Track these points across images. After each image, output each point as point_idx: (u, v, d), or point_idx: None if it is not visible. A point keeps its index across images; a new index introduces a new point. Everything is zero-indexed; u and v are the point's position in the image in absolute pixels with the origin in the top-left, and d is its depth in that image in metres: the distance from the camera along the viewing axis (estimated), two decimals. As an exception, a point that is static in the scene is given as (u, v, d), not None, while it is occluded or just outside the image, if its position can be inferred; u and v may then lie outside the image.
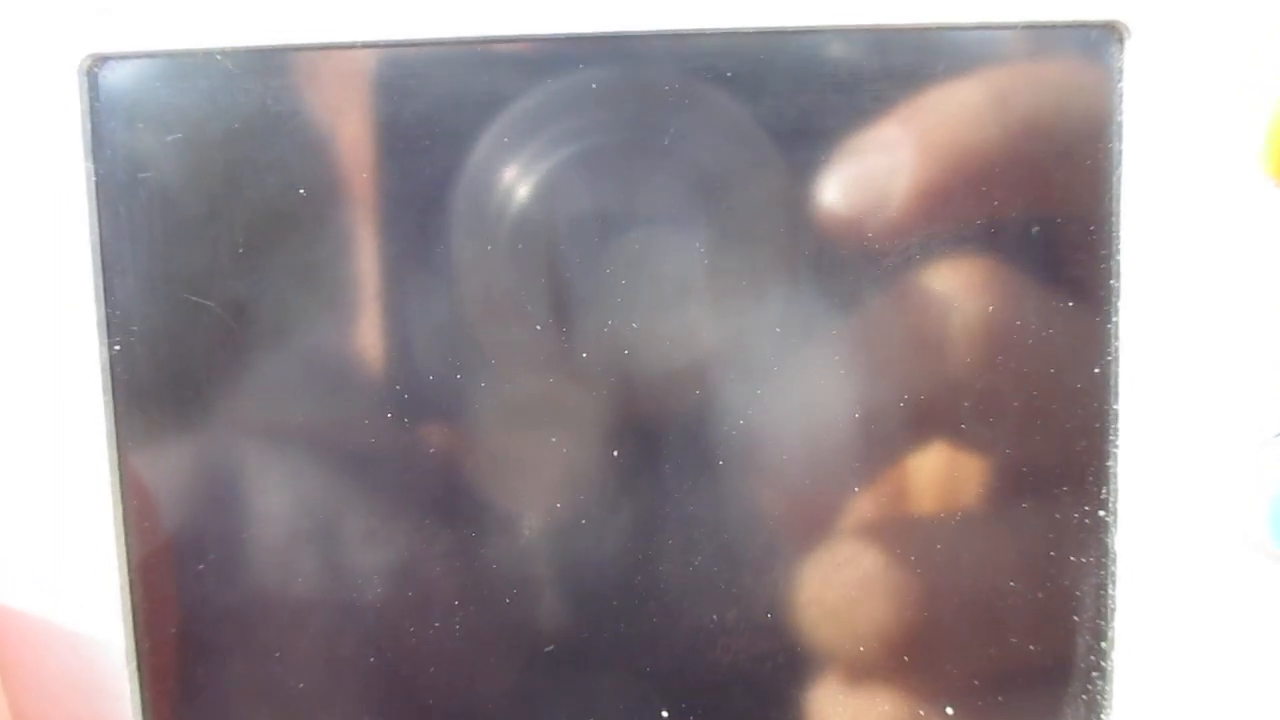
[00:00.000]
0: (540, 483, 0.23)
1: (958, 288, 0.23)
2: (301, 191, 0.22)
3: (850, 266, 0.22)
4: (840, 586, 0.23)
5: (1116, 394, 0.22)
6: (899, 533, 0.23)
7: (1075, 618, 0.23)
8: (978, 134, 0.22)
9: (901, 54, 0.22)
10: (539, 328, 0.22)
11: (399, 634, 0.23)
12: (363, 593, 0.23)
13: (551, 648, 0.23)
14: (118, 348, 0.22)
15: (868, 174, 0.22)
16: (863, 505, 0.23)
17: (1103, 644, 0.23)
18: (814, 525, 0.23)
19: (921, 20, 0.22)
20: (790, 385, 0.23)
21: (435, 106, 0.22)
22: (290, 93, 0.22)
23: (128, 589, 0.22)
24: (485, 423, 0.23)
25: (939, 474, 0.23)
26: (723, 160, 0.22)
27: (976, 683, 0.23)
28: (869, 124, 0.22)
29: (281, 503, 0.23)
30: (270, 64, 0.22)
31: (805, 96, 0.22)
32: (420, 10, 0.21)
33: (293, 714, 0.23)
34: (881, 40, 0.22)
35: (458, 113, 0.22)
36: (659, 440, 0.23)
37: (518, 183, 0.22)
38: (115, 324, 0.22)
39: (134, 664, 0.22)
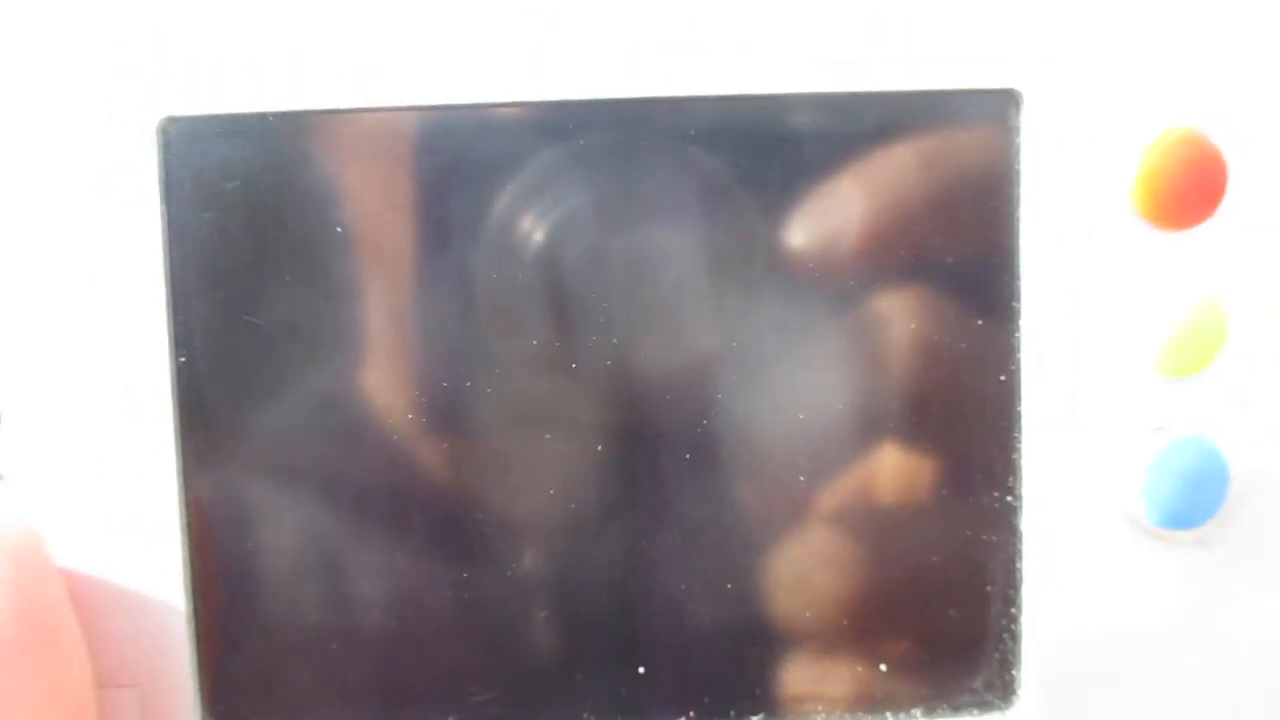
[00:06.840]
0: (538, 474, 0.25)
1: (893, 311, 0.25)
2: (339, 230, 0.24)
3: (807, 294, 0.25)
4: (792, 562, 0.25)
5: (1019, 397, 0.25)
6: (841, 517, 0.25)
7: (988, 588, 0.25)
8: (906, 184, 0.25)
9: (842, 118, 0.24)
10: (538, 343, 0.25)
11: (419, 598, 0.25)
12: (394, 565, 0.25)
13: (545, 613, 0.25)
14: (183, 359, 0.24)
15: (821, 219, 0.25)
16: (813, 494, 0.25)
17: (1012, 610, 0.25)
18: (771, 510, 0.25)
19: (854, 88, 0.24)
20: (754, 393, 0.25)
21: (454, 163, 0.24)
22: (328, 149, 0.24)
23: (187, 561, 0.25)
24: (491, 423, 0.25)
25: (876, 467, 0.25)
26: (700, 206, 0.25)
27: (906, 644, 0.25)
28: (816, 177, 0.25)
29: (317, 491, 0.25)
30: (311, 125, 0.24)
31: (767, 154, 0.24)
32: (442, 79, 0.24)
33: (327, 667, 0.25)
34: (825, 105, 0.24)
35: (475, 169, 0.24)
36: (640, 434, 0.25)
37: (531, 228, 0.25)
38: (181, 339, 0.24)
39: (192, 625, 0.25)
